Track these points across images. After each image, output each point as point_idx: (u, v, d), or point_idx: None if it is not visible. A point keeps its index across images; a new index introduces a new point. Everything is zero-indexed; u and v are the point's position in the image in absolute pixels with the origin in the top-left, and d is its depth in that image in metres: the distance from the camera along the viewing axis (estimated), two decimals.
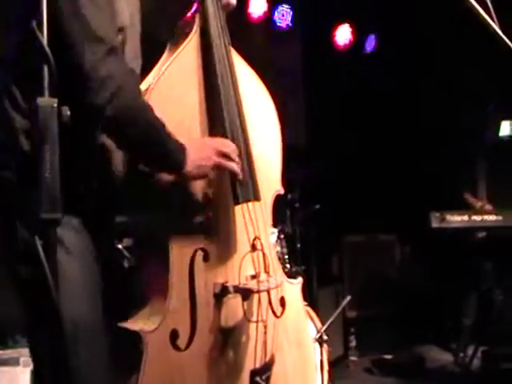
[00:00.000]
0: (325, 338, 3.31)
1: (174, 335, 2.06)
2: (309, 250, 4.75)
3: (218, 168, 2.13)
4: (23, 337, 3.17)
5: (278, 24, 6.18)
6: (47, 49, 1.32)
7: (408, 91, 6.34)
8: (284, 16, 6.19)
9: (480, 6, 1.80)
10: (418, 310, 5.75)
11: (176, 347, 2.07)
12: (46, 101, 1.32)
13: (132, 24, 2.07)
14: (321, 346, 3.24)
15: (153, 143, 1.97)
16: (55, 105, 1.32)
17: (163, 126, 1.98)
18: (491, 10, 1.82)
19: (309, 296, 4.14)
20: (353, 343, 5.46)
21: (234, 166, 2.14)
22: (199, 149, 2.09)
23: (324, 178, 4.78)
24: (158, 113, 1.98)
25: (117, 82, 1.83)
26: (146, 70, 2.20)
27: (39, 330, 1.70)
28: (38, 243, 1.32)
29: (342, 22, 6.54)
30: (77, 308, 1.83)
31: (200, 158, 2.06)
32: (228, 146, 2.14)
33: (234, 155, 2.14)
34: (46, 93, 1.33)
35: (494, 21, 1.82)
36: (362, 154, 6.20)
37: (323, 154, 5.38)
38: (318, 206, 4.75)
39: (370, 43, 6.74)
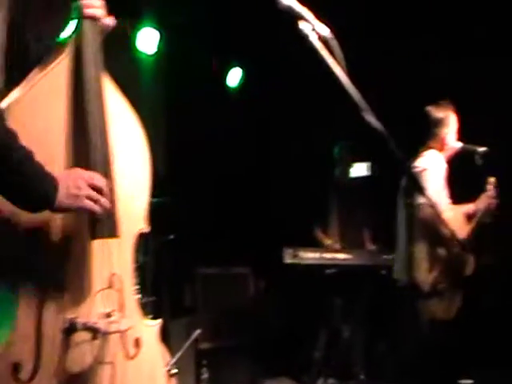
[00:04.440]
0: (174, 371, 3.23)
1: (16, 367, 1.94)
2: (161, 280, 4.68)
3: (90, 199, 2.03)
4: None
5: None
6: None
7: (263, 126, 6.45)
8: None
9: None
10: (271, 343, 5.80)
11: (17, 380, 1.94)
12: None
13: None
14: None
15: (17, 183, 1.87)
16: None
17: (29, 159, 1.88)
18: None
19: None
20: (205, 375, 5.40)
21: (97, 208, 2.04)
22: (71, 180, 1.99)
23: (179, 208, 4.74)
24: (20, 129, 1.87)
25: None
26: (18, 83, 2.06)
27: None
28: None
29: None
30: None
31: (71, 193, 1.97)
32: (99, 180, 2.05)
33: (106, 189, 2.05)
34: None
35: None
36: (218, 186, 6.21)
37: (179, 184, 5.34)
38: (172, 237, 4.71)
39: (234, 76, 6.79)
